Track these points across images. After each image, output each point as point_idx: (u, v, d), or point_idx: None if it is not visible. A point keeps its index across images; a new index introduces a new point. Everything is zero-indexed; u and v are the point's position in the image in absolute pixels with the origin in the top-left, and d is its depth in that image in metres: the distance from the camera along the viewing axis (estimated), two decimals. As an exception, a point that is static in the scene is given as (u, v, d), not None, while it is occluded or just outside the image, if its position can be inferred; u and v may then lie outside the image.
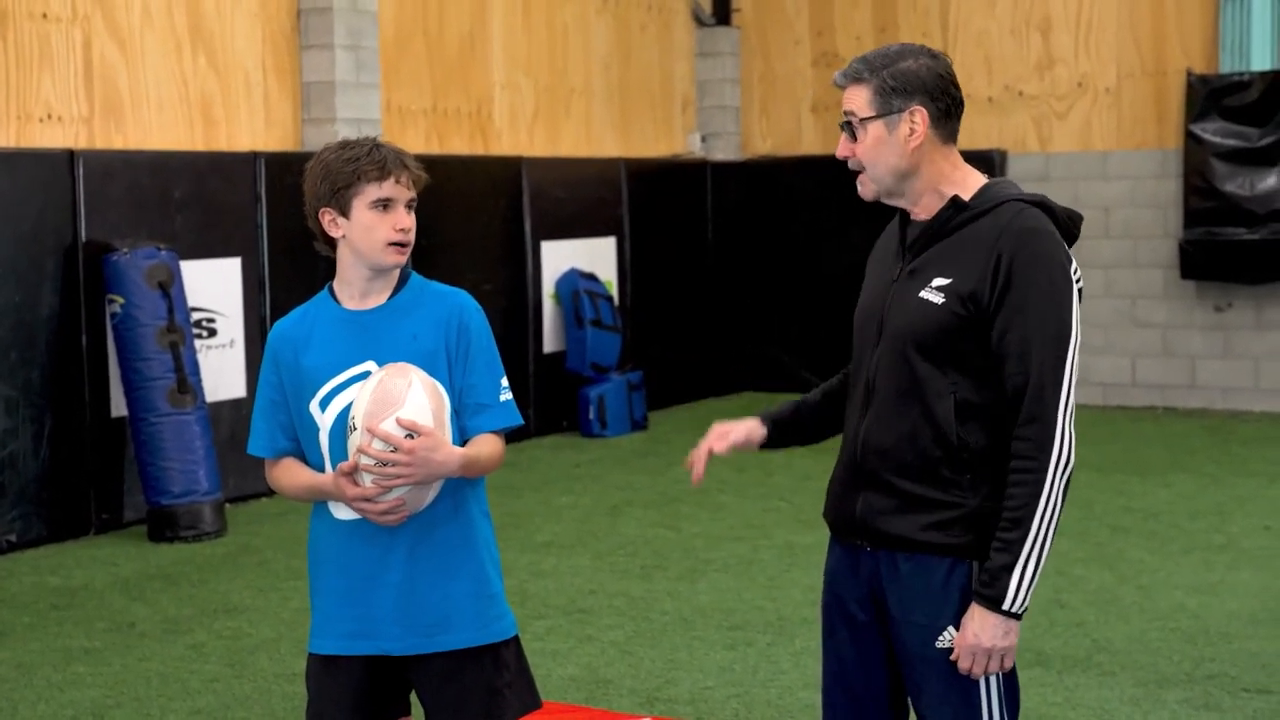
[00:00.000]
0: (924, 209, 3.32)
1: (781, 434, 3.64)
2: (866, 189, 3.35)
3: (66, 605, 7.11)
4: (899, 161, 3.27)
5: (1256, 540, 7.93)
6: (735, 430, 3.58)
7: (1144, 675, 5.84)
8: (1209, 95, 11.78)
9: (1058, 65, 12.62)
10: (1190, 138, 11.84)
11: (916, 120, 3.25)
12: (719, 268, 13.57)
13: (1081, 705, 5.54)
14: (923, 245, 3.30)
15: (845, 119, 3.31)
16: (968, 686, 3.24)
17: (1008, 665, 3.21)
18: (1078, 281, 3.25)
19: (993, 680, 3.24)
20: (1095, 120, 12.50)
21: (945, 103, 3.27)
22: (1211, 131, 11.77)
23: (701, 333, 13.33)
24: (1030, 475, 3.15)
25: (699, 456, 3.53)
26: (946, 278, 3.22)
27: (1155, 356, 12.28)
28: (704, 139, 13.76)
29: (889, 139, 3.26)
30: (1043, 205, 3.27)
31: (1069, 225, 3.30)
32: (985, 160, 12.47)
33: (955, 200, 3.28)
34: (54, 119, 8.80)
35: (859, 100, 3.28)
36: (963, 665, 3.19)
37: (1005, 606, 3.14)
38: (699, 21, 13.71)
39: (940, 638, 3.23)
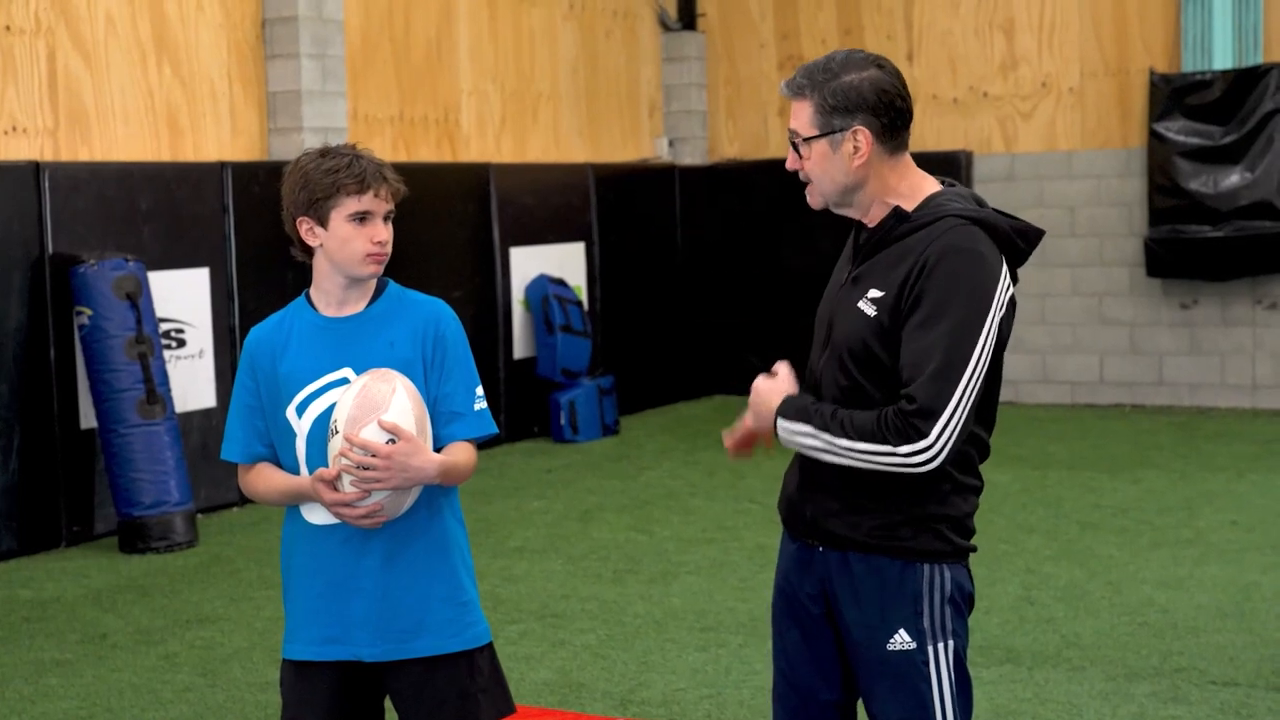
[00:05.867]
0: (872, 219, 3.32)
1: None
2: (815, 199, 3.36)
3: (38, 618, 7.09)
4: (844, 178, 3.26)
5: (1224, 535, 7.99)
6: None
7: (1113, 669, 5.89)
8: (1172, 94, 11.86)
9: (1021, 66, 12.68)
10: (1154, 136, 11.92)
11: (859, 139, 3.22)
12: (688, 272, 13.60)
13: (1051, 700, 5.58)
14: (867, 253, 3.30)
15: (790, 136, 3.30)
16: (919, 686, 3.25)
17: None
18: (1005, 304, 3.19)
19: (945, 680, 3.25)
20: (1059, 120, 12.57)
21: (889, 117, 3.22)
22: (1175, 130, 11.85)
23: (672, 337, 13.36)
24: (876, 422, 3.12)
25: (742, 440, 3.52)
26: (880, 290, 3.21)
27: (1122, 354, 12.35)
28: (671, 143, 13.79)
29: (833, 156, 3.24)
30: (982, 222, 3.21)
31: (1014, 242, 3.23)
32: (951, 161, 12.53)
33: (897, 211, 3.26)
34: (19, 131, 8.78)
35: (802, 118, 3.26)
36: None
37: (777, 427, 3.30)
38: (664, 26, 13.74)
39: (892, 639, 3.25)
